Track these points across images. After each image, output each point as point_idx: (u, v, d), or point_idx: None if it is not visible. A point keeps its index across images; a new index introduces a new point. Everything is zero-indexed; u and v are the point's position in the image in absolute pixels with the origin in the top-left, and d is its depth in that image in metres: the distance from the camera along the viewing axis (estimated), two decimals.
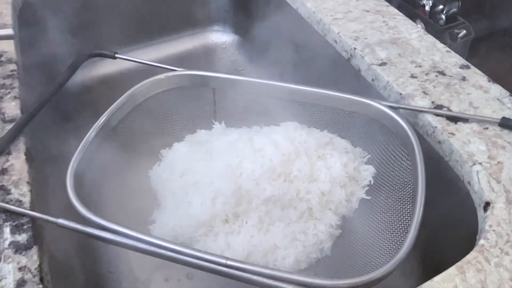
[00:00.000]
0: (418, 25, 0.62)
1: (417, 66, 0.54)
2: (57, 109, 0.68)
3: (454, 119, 0.47)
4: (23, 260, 0.35)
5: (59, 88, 0.53)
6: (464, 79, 0.52)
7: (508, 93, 0.49)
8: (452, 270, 0.34)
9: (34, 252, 0.35)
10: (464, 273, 0.34)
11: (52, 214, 0.37)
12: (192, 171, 0.49)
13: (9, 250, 0.35)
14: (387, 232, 0.43)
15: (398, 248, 0.36)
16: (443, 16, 1.21)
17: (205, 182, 0.47)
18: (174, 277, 0.53)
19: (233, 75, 0.53)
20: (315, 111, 0.52)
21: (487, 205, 0.39)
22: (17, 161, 0.42)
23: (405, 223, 0.42)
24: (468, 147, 0.44)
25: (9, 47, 0.55)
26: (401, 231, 0.42)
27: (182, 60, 0.85)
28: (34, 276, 0.34)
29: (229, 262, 0.34)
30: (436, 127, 0.46)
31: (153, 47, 0.85)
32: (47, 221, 0.37)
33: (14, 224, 0.37)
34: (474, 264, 0.34)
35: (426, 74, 0.52)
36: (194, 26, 0.88)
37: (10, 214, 0.38)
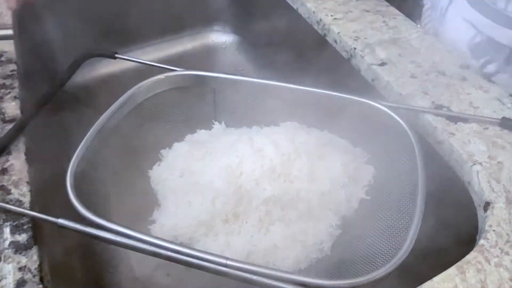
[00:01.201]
0: (418, 25, 0.62)
1: (417, 66, 0.54)
2: (57, 109, 0.68)
3: (454, 119, 0.47)
4: (23, 260, 0.35)
5: (59, 88, 0.53)
6: (464, 79, 0.52)
7: (508, 93, 0.49)
8: (452, 270, 0.34)
9: (34, 252, 0.35)
10: (464, 273, 0.34)
11: (52, 214, 0.37)
12: (192, 171, 0.49)
13: (9, 250, 0.35)
14: (387, 232, 0.43)
15: (398, 248, 0.36)
16: None
17: (205, 182, 0.47)
18: (174, 271, 0.53)
19: (233, 75, 0.53)
20: (315, 111, 0.52)
21: (487, 205, 0.39)
22: (17, 161, 0.42)
23: (405, 223, 0.42)
24: (468, 147, 0.44)
25: (9, 47, 0.55)
26: (401, 231, 0.42)
27: (182, 60, 0.85)
28: (34, 276, 0.34)
29: (229, 262, 0.34)
30: (436, 127, 0.46)
31: (153, 47, 0.85)
32: (47, 221, 0.37)
33: (14, 224, 0.37)
34: (474, 264, 0.35)
35: (426, 74, 0.52)
36: (194, 26, 0.88)
37: (10, 214, 0.38)
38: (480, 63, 0.49)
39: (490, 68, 0.47)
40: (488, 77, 0.46)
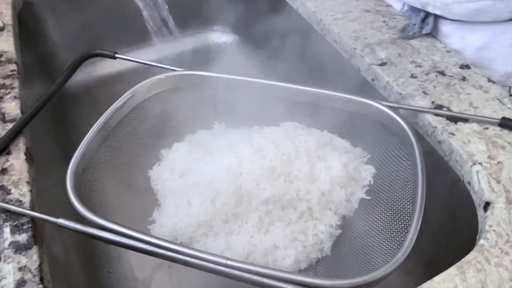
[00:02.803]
0: None
1: (417, 66, 0.54)
2: (57, 109, 0.68)
3: (454, 119, 0.47)
4: (23, 260, 0.35)
5: (59, 88, 0.53)
6: (464, 79, 0.52)
7: (508, 93, 0.49)
8: (452, 270, 0.34)
9: (34, 252, 0.35)
10: (464, 273, 0.34)
11: (52, 214, 0.37)
12: (192, 171, 0.49)
13: (9, 250, 0.35)
14: (387, 232, 0.43)
15: (398, 248, 0.36)
16: None
17: (205, 182, 0.47)
18: (174, 271, 0.53)
19: (233, 75, 0.53)
20: (315, 111, 0.52)
21: (487, 205, 0.39)
22: (17, 161, 0.42)
23: (405, 223, 0.42)
24: (468, 147, 0.44)
25: (9, 47, 0.55)
26: (401, 231, 0.42)
27: (182, 60, 0.85)
28: (34, 276, 0.34)
29: (229, 262, 0.34)
30: (436, 127, 0.46)
31: (153, 47, 0.84)
32: (47, 221, 0.37)
33: (14, 224, 0.37)
34: (474, 264, 0.35)
35: (426, 74, 0.52)
36: (194, 26, 0.88)
37: (10, 214, 0.38)
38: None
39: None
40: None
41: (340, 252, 0.46)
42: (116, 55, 0.57)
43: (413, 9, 0.59)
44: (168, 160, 0.53)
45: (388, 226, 0.44)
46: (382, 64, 0.54)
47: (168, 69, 0.54)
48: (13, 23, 0.60)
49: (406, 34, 0.58)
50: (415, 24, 0.58)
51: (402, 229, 0.42)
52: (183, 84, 0.54)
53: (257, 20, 0.76)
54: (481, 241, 0.36)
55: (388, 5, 0.65)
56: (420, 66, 0.53)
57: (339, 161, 0.47)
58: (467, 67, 0.53)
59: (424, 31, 0.57)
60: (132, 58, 0.57)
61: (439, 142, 0.46)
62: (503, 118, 0.45)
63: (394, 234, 0.42)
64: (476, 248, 0.36)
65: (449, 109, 0.48)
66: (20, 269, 0.34)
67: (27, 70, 0.56)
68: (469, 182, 0.42)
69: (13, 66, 0.53)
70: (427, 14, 0.57)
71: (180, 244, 0.35)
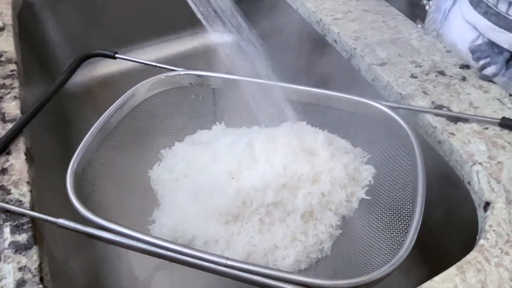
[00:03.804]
0: (418, 25, 0.62)
1: (417, 66, 0.54)
2: (57, 109, 0.68)
3: (454, 119, 0.47)
4: (23, 260, 0.35)
5: (59, 88, 0.53)
6: (464, 79, 0.52)
7: (508, 93, 0.49)
8: (452, 270, 0.34)
9: (34, 252, 0.35)
10: (464, 273, 0.34)
11: (52, 214, 0.37)
12: (192, 171, 0.49)
13: (9, 250, 0.35)
14: (387, 232, 0.43)
15: (398, 248, 0.36)
16: None
17: (205, 182, 0.47)
18: (174, 271, 0.53)
19: (233, 75, 0.53)
20: (315, 111, 0.52)
21: (487, 205, 0.39)
22: (17, 161, 0.42)
23: (405, 223, 0.42)
24: (468, 147, 0.44)
25: (9, 47, 0.55)
26: (401, 231, 0.42)
27: (182, 60, 0.85)
28: (34, 276, 0.34)
29: (229, 262, 0.34)
30: (436, 127, 0.46)
31: (153, 47, 0.85)
32: (47, 221, 0.37)
33: (14, 224, 0.37)
34: (474, 264, 0.35)
35: (426, 74, 0.52)
36: (194, 26, 0.88)
37: (10, 214, 0.38)
38: (479, 65, 0.51)
39: (489, 70, 0.49)
40: (486, 79, 0.49)
41: (340, 252, 0.46)
42: (116, 55, 0.57)
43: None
44: (168, 160, 0.53)
45: (388, 226, 0.44)
46: (382, 64, 0.54)
47: (168, 69, 0.54)
48: (13, 23, 0.60)
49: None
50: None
51: (402, 229, 0.42)
52: (183, 84, 0.54)
53: (257, 20, 0.76)
54: (481, 241, 0.36)
55: (388, 5, 0.65)
56: (420, 66, 0.53)
57: (339, 161, 0.47)
58: (467, 67, 0.53)
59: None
60: (132, 58, 0.57)
61: (439, 142, 0.46)
62: (503, 118, 0.45)
63: (394, 234, 0.42)
64: (476, 248, 0.36)
65: (449, 109, 0.48)
66: (20, 269, 0.34)
67: (27, 70, 0.56)
68: (469, 182, 0.42)
69: (13, 66, 0.53)
70: None
71: (180, 244, 0.35)
